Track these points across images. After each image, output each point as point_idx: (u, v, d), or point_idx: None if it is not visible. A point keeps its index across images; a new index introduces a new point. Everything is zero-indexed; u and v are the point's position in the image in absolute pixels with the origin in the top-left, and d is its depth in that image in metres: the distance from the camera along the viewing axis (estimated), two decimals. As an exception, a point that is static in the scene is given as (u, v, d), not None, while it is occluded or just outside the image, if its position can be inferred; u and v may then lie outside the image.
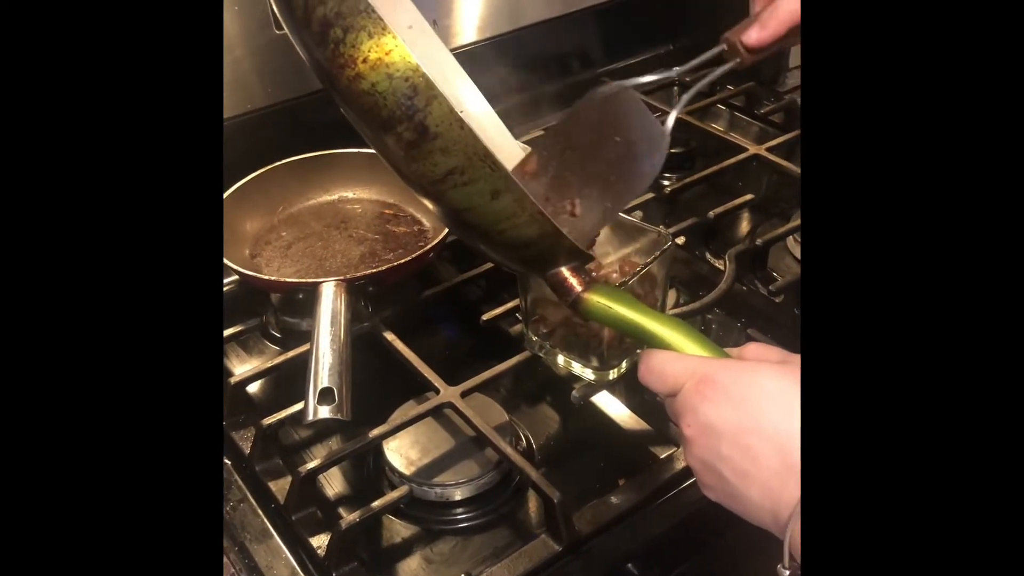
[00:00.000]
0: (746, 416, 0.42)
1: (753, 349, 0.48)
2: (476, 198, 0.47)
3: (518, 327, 0.69)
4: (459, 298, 0.76)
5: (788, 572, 0.40)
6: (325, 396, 0.55)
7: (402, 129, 0.45)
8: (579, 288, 0.52)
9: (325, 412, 0.54)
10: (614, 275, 0.62)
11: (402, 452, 0.60)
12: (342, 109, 0.49)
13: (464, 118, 0.45)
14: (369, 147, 0.81)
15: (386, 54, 0.44)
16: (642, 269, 0.58)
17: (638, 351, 0.63)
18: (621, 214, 0.63)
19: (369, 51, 0.44)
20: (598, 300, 0.52)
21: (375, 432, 0.59)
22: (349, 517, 0.54)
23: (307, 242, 0.77)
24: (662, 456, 0.61)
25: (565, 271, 0.52)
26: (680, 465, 0.59)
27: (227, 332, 0.71)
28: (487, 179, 0.46)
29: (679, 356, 0.47)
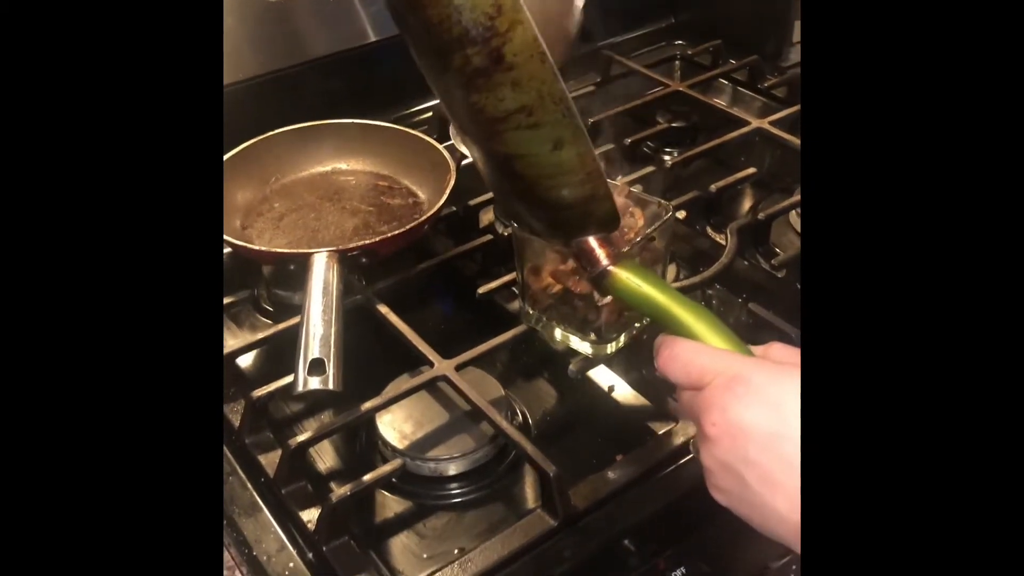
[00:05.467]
0: (782, 422, 0.40)
1: (778, 350, 0.46)
2: (537, 145, 0.42)
3: (515, 303, 0.68)
4: (454, 272, 0.74)
5: None
6: (315, 367, 0.54)
7: (472, 52, 0.39)
8: (606, 261, 0.49)
9: (315, 383, 0.53)
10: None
11: (395, 426, 0.59)
12: (395, 19, 0.43)
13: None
14: (365, 117, 0.81)
15: None
16: (643, 239, 0.57)
17: (636, 325, 0.62)
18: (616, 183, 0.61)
19: None
20: (628, 276, 0.49)
21: (367, 405, 0.58)
22: (340, 490, 0.52)
23: (299, 213, 0.76)
24: (660, 432, 0.60)
25: (593, 241, 0.49)
26: (678, 440, 0.58)
27: (217, 304, 0.70)
28: (556, 125, 0.41)
29: (707, 348, 0.45)
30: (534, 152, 0.43)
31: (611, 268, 0.49)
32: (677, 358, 0.45)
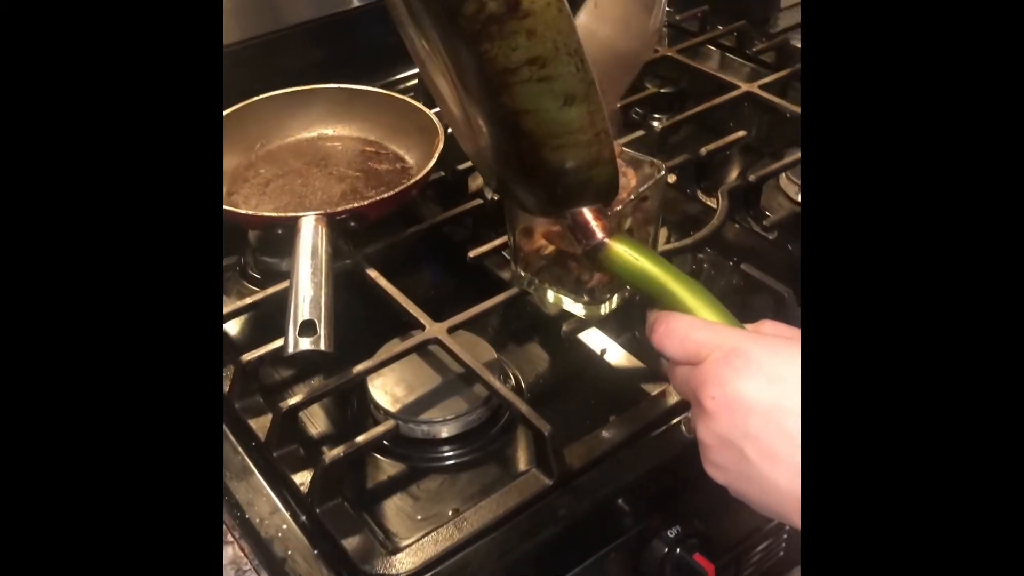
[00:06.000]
0: (783, 394, 0.39)
1: (770, 326, 0.45)
2: (546, 100, 0.41)
3: (506, 270, 0.67)
4: (443, 237, 0.73)
5: None
6: (306, 328, 0.53)
7: None
8: (602, 234, 0.48)
9: (306, 344, 0.52)
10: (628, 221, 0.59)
11: (387, 389, 0.59)
12: None
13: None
14: (350, 83, 0.80)
15: None
16: (636, 198, 0.56)
17: (628, 286, 0.62)
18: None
19: None
20: (623, 249, 0.48)
21: (359, 368, 0.57)
22: (333, 452, 0.52)
23: (286, 179, 0.75)
24: (653, 393, 0.59)
25: (588, 213, 0.48)
26: (671, 401, 0.58)
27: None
28: (568, 79, 0.40)
29: (703, 322, 0.44)
30: (542, 108, 0.41)
31: (608, 241, 0.48)
32: (673, 333, 0.44)
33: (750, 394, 0.40)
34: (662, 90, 0.90)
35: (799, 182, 0.77)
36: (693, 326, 0.44)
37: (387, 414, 0.57)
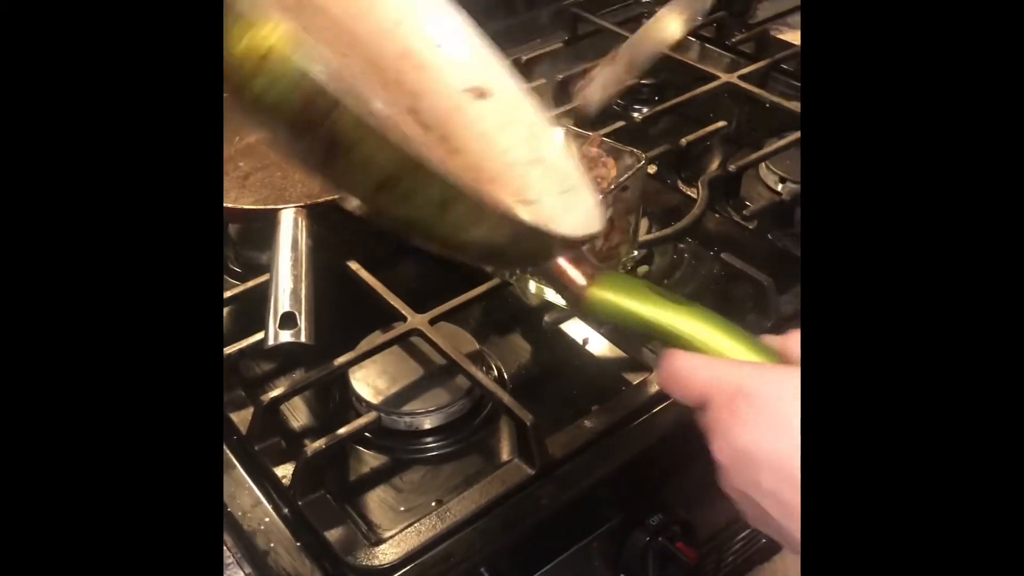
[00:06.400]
0: (791, 440, 0.34)
1: (798, 339, 0.39)
2: (424, 210, 0.38)
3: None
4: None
5: None
6: (286, 321, 0.53)
7: (310, 140, 0.35)
8: (582, 281, 0.44)
9: (286, 336, 0.52)
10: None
11: (369, 381, 0.59)
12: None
13: (439, 55, 0.39)
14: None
15: (262, 54, 0.32)
16: (616, 187, 0.56)
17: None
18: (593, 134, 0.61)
19: (248, 48, 0.33)
20: (606, 296, 0.43)
21: (340, 360, 0.57)
22: (315, 444, 0.52)
23: (266, 172, 0.74)
24: (635, 382, 0.60)
25: (563, 263, 0.44)
26: (652, 390, 0.58)
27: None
28: (430, 188, 0.37)
29: (707, 362, 0.40)
30: (424, 217, 0.38)
31: (588, 290, 0.44)
32: (676, 376, 0.40)
33: (755, 445, 0.36)
34: (642, 81, 0.90)
35: (778, 172, 0.78)
36: (695, 367, 0.40)
37: (369, 406, 0.57)
